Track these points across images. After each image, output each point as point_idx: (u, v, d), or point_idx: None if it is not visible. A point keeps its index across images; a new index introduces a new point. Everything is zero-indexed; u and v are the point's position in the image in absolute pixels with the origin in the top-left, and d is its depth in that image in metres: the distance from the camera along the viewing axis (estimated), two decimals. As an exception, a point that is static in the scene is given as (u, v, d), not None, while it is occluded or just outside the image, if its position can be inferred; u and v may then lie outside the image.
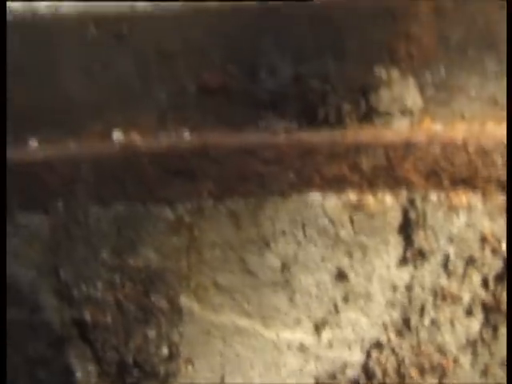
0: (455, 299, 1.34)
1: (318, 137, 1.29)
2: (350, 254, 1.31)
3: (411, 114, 1.33)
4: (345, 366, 1.40)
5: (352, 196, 1.29)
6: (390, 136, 1.29)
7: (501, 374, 1.36)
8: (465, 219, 1.29)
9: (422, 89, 1.33)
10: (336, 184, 1.28)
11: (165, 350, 1.38)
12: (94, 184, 1.28)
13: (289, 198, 1.29)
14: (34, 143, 1.36)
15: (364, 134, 1.30)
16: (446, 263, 1.32)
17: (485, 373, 1.38)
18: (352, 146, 1.27)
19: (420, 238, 1.30)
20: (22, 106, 1.35)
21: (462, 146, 1.27)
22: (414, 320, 1.36)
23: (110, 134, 1.35)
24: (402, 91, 1.33)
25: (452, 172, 1.28)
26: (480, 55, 1.32)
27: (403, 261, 1.32)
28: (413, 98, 1.33)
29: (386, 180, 1.28)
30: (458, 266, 1.32)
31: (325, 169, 1.28)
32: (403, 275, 1.33)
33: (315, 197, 1.29)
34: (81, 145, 1.34)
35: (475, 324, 1.36)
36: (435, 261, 1.32)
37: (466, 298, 1.34)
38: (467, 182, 1.28)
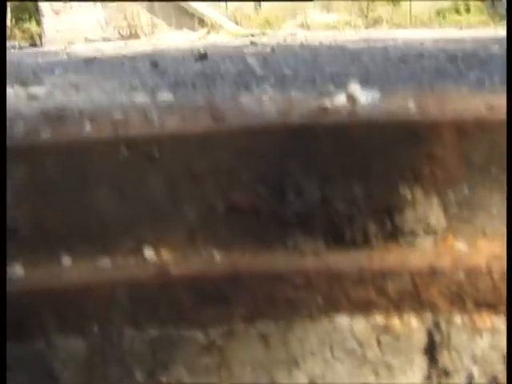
0: (479, 415, 1.37)
1: (346, 260, 1.33)
2: (376, 373, 1.35)
3: (435, 232, 1.37)
4: None
5: (379, 319, 1.32)
6: (415, 260, 1.33)
7: None
8: (488, 340, 1.33)
9: (445, 207, 1.37)
10: (363, 307, 1.32)
11: None
12: (129, 308, 1.32)
13: (317, 321, 1.33)
14: (67, 260, 1.40)
15: (390, 256, 1.33)
16: (469, 381, 1.35)
17: None
18: (378, 271, 1.31)
19: (444, 358, 1.34)
20: (56, 223, 1.39)
21: (486, 271, 1.31)
22: (439, 434, 1.40)
23: (141, 251, 1.39)
24: (426, 210, 1.36)
25: (476, 296, 1.31)
26: (501, 173, 1.36)
27: (428, 379, 1.36)
28: (436, 216, 1.37)
29: (411, 304, 1.32)
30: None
31: (352, 293, 1.31)
32: (428, 392, 1.37)
33: (343, 319, 1.32)
34: (113, 263, 1.38)
35: None
36: (459, 379, 1.35)
37: (490, 413, 1.38)
38: (491, 305, 1.32)
